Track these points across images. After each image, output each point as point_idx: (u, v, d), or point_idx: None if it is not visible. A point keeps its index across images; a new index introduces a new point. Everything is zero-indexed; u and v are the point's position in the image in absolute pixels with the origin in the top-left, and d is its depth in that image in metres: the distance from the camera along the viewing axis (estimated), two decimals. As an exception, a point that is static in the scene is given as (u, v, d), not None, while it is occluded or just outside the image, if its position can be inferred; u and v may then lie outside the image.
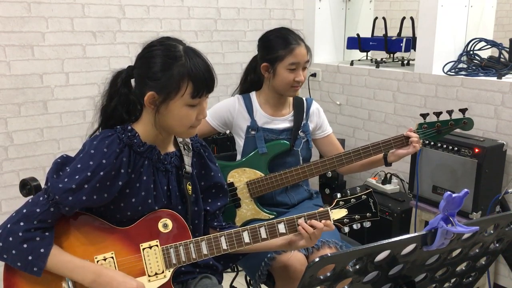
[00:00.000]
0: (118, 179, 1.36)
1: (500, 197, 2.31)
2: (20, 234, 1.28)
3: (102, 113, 1.45)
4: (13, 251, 1.28)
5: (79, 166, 1.33)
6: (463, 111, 1.96)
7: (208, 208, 1.57)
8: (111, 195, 1.36)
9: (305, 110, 2.04)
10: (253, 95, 2.03)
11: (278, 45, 1.90)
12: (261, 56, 1.95)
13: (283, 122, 2.01)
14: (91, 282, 1.32)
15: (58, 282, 1.35)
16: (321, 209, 1.51)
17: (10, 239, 1.28)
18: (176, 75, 1.33)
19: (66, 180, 1.32)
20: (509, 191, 2.27)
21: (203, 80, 1.34)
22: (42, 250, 1.29)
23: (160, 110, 1.36)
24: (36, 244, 1.29)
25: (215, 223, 1.60)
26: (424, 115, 1.97)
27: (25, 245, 1.28)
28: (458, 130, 2.01)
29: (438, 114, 1.96)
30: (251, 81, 2.05)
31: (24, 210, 1.31)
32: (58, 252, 1.31)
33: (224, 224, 1.62)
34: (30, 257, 1.28)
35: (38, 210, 1.30)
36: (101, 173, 1.32)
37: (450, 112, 1.95)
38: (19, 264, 1.29)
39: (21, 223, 1.29)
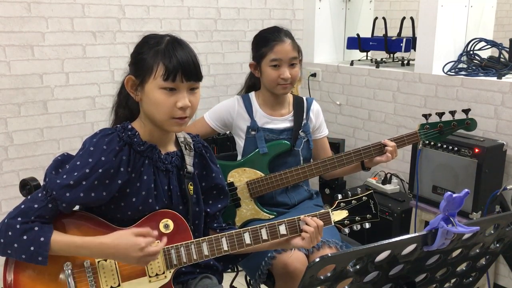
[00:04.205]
0: (117, 178, 1.35)
1: (498, 193, 2.29)
2: (18, 226, 1.28)
3: (115, 112, 1.49)
4: (15, 245, 1.28)
5: (78, 163, 1.33)
6: (466, 111, 1.95)
7: (208, 210, 1.57)
8: (109, 193, 1.36)
9: (305, 109, 2.04)
10: (252, 95, 2.03)
11: (261, 42, 1.92)
12: (252, 56, 1.99)
13: (283, 122, 2.01)
14: (98, 257, 1.34)
15: (58, 276, 1.35)
16: (322, 210, 1.51)
17: (10, 233, 1.28)
18: (150, 57, 1.34)
19: (64, 176, 1.32)
20: (507, 187, 2.25)
21: (176, 63, 1.32)
22: (42, 239, 1.28)
23: (140, 96, 1.38)
24: (35, 234, 1.28)
25: (215, 225, 1.60)
26: (426, 116, 1.97)
27: (25, 237, 1.28)
28: (458, 130, 2.00)
29: (440, 114, 1.95)
30: (254, 81, 2.06)
31: (22, 206, 1.32)
32: (58, 238, 1.30)
33: (224, 225, 1.62)
34: (32, 248, 1.28)
35: (36, 206, 1.30)
36: (100, 170, 1.32)
37: (453, 113, 1.94)
38: (23, 256, 1.28)
39: (19, 218, 1.29)
